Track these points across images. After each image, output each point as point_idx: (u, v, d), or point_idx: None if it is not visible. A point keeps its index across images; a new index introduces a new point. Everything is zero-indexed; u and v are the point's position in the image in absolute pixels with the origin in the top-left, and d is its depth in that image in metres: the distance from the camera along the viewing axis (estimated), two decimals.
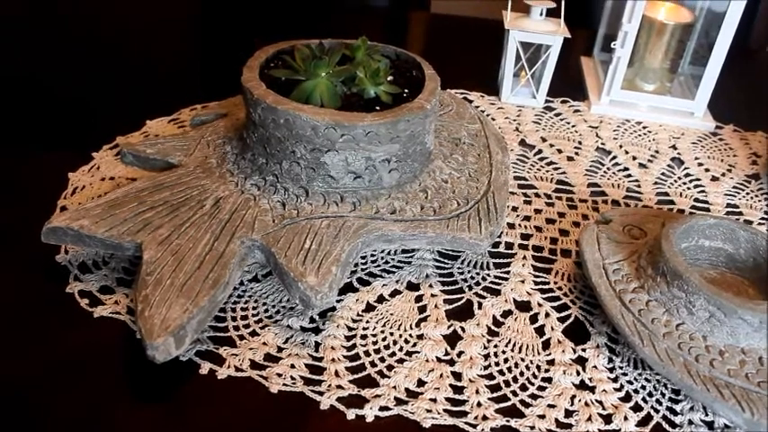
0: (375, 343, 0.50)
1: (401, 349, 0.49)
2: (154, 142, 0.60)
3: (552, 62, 0.81)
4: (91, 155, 0.68)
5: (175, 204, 0.52)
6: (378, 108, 0.54)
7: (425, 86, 0.56)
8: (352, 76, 0.54)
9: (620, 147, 0.78)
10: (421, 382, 0.47)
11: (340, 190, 0.54)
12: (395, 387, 0.46)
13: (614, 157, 0.76)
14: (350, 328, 0.51)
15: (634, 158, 0.76)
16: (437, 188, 0.57)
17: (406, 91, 0.57)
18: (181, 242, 0.49)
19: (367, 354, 0.49)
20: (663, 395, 0.48)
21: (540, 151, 0.76)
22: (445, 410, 0.45)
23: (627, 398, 0.47)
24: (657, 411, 0.46)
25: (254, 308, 0.52)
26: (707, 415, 0.46)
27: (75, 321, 0.49)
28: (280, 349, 0.48)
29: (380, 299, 0.54)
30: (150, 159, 0.59)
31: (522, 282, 0.57)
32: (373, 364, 0.48)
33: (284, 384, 0.46)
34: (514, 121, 0.82)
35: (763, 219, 0.68)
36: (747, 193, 0.72)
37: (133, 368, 0.46)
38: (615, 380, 0.49)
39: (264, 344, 0.49)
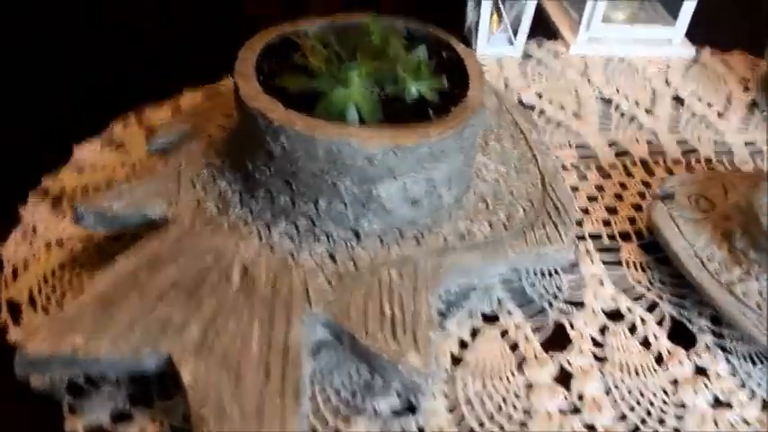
0: (483, 406, 0.41)
1: (515, 408, 0.41)
2: (119, 191, 0.45)
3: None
4: (17, 211, 0.51)
5: (191, 285, 0.39)
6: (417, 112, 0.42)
7: (471, 74, 0.45)
8: (392, 76, 0.41)
9: (618, 91, 0.72)
10: None
11: (397, 224, 0.43)
12: None
13: (618, 106, 0.70)
14: (446, 395, 0.41)
15: (637, 104, 0.70)
16: (493, 193, 0.48)
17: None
18: (225, 343, 0.36)
19: (481, 425, 0.40)
20: None
21: (542, 111, 0.68)
22: None
23: (765, 408, 0.42)
24: None
25: (321, 392, 0.40)
26: None
27: None
28: None
29: (462, 344, 0.44)
30: (120, 217, 0.44)
31: (601, 284, 0.49)
32: None
33: None
34: (500, 75, 0.72)
35: None
36: (756, 126, 0.69)
37: None
38: (743, 385, 0.43)
39: None
